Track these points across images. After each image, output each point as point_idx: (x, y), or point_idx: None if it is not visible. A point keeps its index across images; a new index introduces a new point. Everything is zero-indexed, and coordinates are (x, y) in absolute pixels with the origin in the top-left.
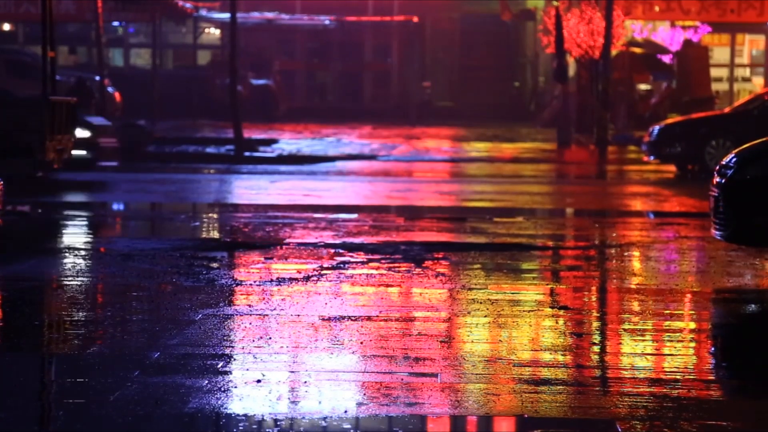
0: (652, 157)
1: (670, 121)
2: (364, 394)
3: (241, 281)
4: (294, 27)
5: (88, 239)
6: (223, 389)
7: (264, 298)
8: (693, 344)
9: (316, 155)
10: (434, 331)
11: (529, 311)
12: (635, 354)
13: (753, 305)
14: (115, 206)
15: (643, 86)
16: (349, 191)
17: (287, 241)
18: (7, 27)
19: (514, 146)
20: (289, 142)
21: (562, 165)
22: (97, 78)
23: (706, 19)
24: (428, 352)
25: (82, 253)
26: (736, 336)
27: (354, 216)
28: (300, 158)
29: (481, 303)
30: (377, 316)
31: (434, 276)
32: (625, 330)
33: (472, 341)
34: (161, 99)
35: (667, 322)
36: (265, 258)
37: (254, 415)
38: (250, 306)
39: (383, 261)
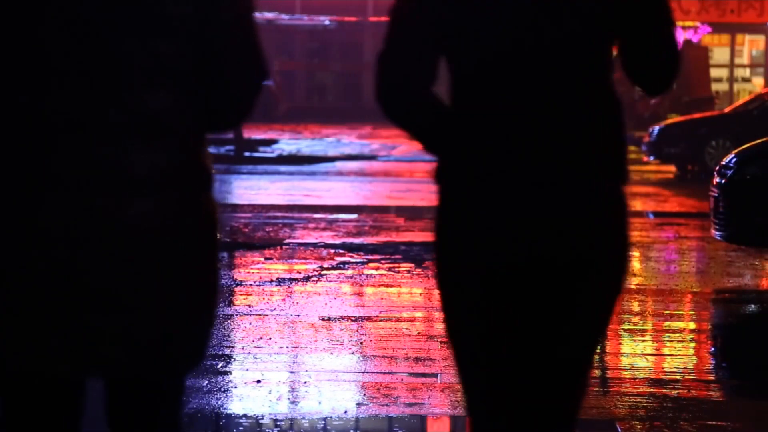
0: (651, 158)
1: (669, 121)
2: (364, 395)
3: (241, 281)
4: (294, 27)
5: None
6: (222, 389)
7: (264, 298)
8: (693, 344)
9: (316, 155)
10: (434, 331)
11: None
12: (635, 354)
13: (753, 305)
14: None
15: None
16: (349, 191)
17: (287, 241)
18: None
19: None
20: (289, 143)
21: None
22: None
23: (706, 20)
24: (428, 352)
25: None
26: (736, 336)
27: (354, 216)
28: (300, 158)
29: None
30: (377, 316)
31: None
32: (625, 330)
33: None
34: None
35: (667, 322)
36: (265, 258)
37: (254, 415)
38: (249, 306)
39: (383, 261)
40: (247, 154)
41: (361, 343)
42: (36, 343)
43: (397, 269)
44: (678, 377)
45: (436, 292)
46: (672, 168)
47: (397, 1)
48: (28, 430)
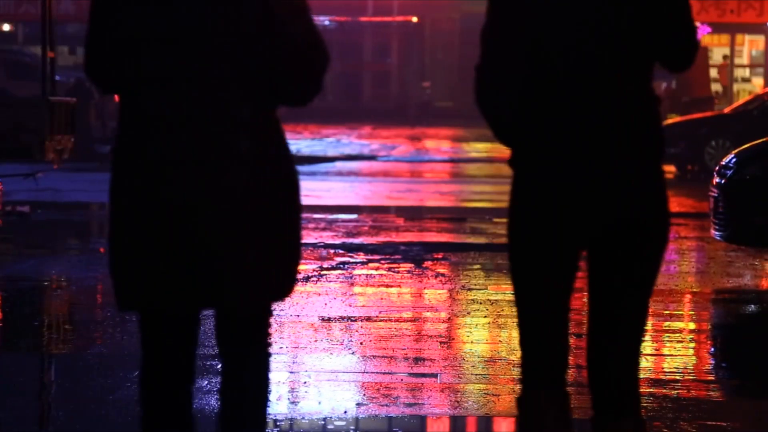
0: None
1: (669, 121)
2: (364, 395)
3: None
4: None
5: (88, 239)
6: None
7: None
8: (693, 344)
9: (315, 155)
10: (434, 332)
11: None
12: None
13: (753, 305)
14: None
15: None
16: (349, 191)
17: None
18: (7, 27)
19: None
20: (288, 143)
21: None
22: None
23: (706, 20)
24: (428, 352)
25: (82, 253)
26: (736, 336)
27: (354, 216)
28: (300, 158)
29: (480, 303)
30: (377, 316)
31: (434, 276)
32: None
33: (472, 341)
34: None
35: (667, 322)
36: None
37: None
38: None
39: (383, 261)
40: None
41: (361, 343)
42: (164, 286)
43: (396, 269)
44: (678, 377)
45: (437, 291)
46: (672, 168)
47: (486, 22)
48: (159, 353)
